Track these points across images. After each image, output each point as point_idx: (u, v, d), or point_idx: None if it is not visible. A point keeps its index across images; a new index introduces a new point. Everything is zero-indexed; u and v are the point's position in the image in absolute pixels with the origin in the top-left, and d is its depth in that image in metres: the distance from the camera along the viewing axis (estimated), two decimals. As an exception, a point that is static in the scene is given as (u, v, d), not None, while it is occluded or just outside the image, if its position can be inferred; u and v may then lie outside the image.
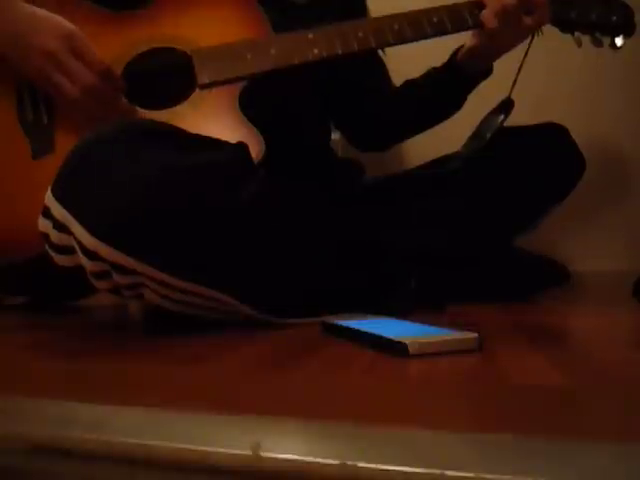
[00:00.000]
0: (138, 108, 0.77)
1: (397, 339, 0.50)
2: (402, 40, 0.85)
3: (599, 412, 0.36)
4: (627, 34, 0.94)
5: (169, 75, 0.79)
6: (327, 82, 0.99)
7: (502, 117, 0.93)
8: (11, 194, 0.75)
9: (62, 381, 0.46)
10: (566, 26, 0.94)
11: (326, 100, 1.03)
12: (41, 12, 0.74)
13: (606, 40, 0.95)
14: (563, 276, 0.96)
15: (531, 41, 0.92)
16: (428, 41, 0.89)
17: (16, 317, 0.86)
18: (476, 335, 0.51)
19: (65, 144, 0.72)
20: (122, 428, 0.35)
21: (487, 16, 0.86)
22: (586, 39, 0.94)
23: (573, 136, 0.93)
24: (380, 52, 1.04)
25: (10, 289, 0.86)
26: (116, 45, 0.79)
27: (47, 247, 0.61)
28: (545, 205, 0.94)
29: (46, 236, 0.61)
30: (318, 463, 0.30)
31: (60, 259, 0.62)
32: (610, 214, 1.28)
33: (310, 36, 0.80)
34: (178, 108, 0.77)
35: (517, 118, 0.93)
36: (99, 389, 0.43)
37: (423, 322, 0.59)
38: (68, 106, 0.76)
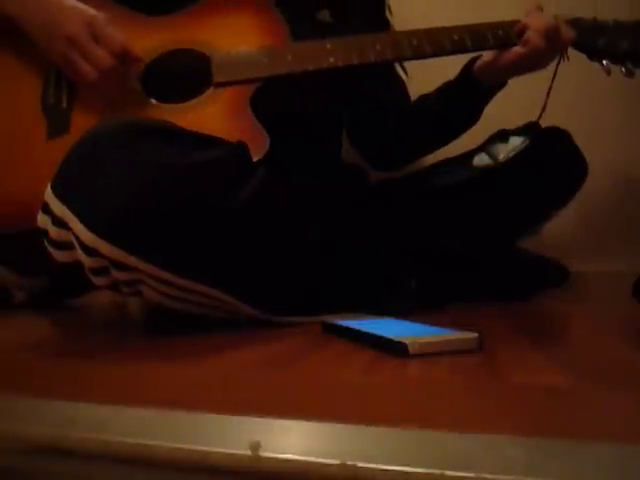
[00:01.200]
0: (153, 100, 0.80)
1: (397, 339, 0.50)
2: (420, 55, 0.84)
3: (599, 412, 0.36)
4: None
5: (187, 73, 0.82)
6: (345, 96, 1.00)
7: (523, 140, 0.91)
8: (22, 168, 0.78)
9: (62, 381, 0.46)
10: (593, 54, 0.90)
11: (342, 114, 1.03)
12: (67, 1, 0.77)
13: (639, 71, 0.89)
14: (563, 276, 0.96)
15: (557, 65, 0.89)
16: (450, 62, 0.89)
17: (17, 317, 0.86)
18: (476, 335, 0.51)
19: (80, 128, 0.75)
20: (122, 428, 0.35)
21: (533, 37, 0.83)
22: (616, 69, 0.89)
23: (575, 140, 0.93)
24: (402, 73, 1.04)
25: (18, 262, 0.87)
26: (144, 46, 0.82)
27: (46, 243, 0.62)
28: (547, 209, 0.94)
29: (45, 232, 0.61)
30: (318, 463, 0.30)
31: (59, 255, 0.62)
32: (610, 214, 1.28)
33: (328, 46, 0.82)
34: (192, 103, 0.79)
35: (519, 122, 0.93)
36: (99, 389, 0.43)
37: (423, 322, 0.59)
38: (88, 91, 0.79)
